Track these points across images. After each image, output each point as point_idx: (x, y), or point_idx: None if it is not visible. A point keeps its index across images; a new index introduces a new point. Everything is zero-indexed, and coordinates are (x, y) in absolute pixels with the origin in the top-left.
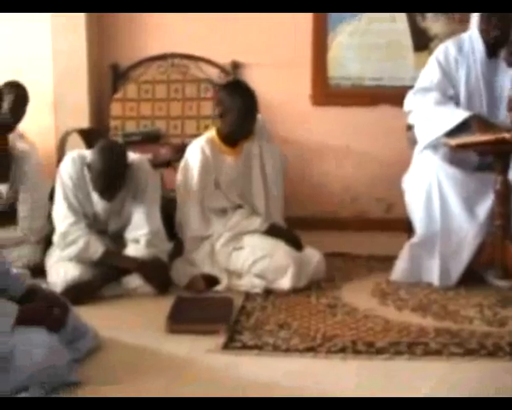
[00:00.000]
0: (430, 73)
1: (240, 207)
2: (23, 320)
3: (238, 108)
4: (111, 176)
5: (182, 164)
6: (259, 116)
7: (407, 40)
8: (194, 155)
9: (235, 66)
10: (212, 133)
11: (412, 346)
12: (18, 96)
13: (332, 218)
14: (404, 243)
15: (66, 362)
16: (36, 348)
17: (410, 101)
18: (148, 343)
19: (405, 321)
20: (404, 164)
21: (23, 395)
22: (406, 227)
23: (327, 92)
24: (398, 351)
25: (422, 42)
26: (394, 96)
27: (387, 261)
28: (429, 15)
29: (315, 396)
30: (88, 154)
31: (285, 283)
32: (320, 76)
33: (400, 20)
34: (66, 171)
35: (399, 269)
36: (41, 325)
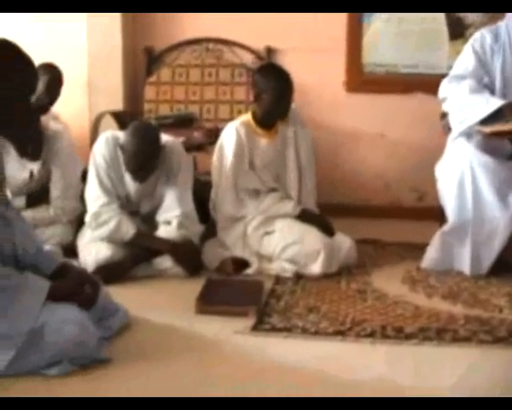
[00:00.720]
0: (465, 60)
1: (273, 190)
2: (54, 296)
3: (273, 89)
4: (143, 157)
5: (217, 145)
6: (292, 103)
7: (443, 28)
8: (230, 136)
9: (270, 51)
10: (247, 116)
11: (441, 332)
12: (52, 77)
13: (364, 205)
14: (435, 232)
15: (95, 340)
16: (67, 324)
17: (444, 88)
18: (177, 324)
19: (435, 308)
20: (437, 152)
21: (52, 370)
22: (438, 215)
23: (361, 79)
24: (427, 337)
25: (458, 30)
26: (429, 83)
27: (418, 249)
28: None
29: (343, 380)
30: (121, 135)
31: (316, 268)
32: (354, 62)
33: None
34: (100, 151)
35: (430, 257)
36: (72, 302)
